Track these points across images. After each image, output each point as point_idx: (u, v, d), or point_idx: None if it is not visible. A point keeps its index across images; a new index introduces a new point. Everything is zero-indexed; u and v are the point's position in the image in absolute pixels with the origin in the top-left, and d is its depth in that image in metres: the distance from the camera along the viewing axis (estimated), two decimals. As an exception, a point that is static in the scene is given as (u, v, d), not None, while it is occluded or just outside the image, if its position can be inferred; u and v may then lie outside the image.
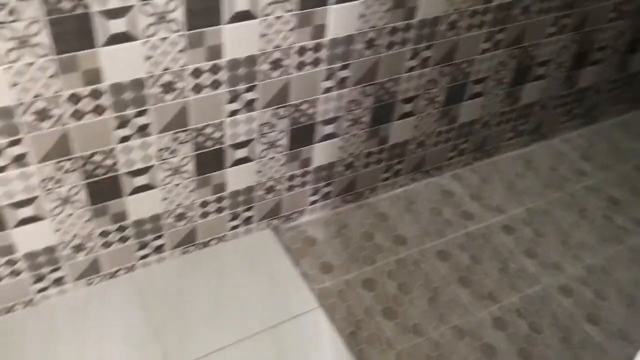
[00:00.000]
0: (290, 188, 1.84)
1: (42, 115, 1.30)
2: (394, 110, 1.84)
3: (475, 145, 2.17)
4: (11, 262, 1.51)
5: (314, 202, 1.94)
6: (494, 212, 2.06)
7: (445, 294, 1.79)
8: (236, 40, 1.42)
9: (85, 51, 1.26)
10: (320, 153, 1.80)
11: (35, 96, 1.26)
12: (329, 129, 1.75)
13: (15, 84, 1.22)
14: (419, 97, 1.85)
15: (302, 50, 1.53)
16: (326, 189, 1.93)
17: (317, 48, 1.54)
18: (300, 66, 1.56)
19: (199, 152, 1.57)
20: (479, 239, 1.97)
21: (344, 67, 1.63)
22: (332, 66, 1.61)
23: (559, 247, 1.97)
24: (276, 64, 1.51)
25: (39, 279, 1.59)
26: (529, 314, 1.76)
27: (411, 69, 1.76)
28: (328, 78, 1.63)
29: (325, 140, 1.77)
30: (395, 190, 2.10)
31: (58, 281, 1.62)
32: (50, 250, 1.54)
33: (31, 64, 1.21)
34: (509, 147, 2.29)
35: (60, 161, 1.39)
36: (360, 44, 1.60)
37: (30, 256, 1.52)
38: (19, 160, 1.34)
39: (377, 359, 1.61)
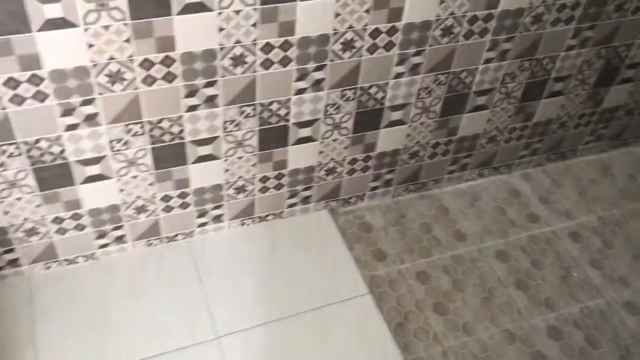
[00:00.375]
0: (352, 172, 1.82)
1: (115, 77, 1.33)
2: (466, 102, 1.78)
3: (549, 145, 2.08)
4: (77, 216, 1.57)
5: (374, 188, 1.91)
6: (562, 218, 1.97)
7: (500, 295, 1.73)
8: (309, 18, 1.40)
9: (161, 18, 1.28)
10: (385, 139, 1.77)
11: (110, 59, 1.30)
12: (396, 115, 1.72)
13: (91, 45, 1.26)
14: (494, 90, 1.78)
15: (375, 33, 1.49)
16: (388, 176, 1.90)
17: (391, 32, 1.51)
18: (373, 49, 1.53)
19: (263, 127, 1.58)
20: (542, 243, 1.89)
21: (418, 53, 1.59)
22: (406, 51, 1.57)
23: (629, 261, 1.87)
24: (348, 45, 1.49)
25: (102, 235, 1.65)
26: (587, 326, 1.68)
27: (489, 60, 1.69)
28: (400, 63, 1.59)
29: (391, 126, 1.74)
30: (460, 185, 2.04)
31: (119, 239, 1.68)
32: (113, 208, 1.60)
33: (108, 27, 1.25)
34: (586, 151, 2.18)
35: (129, 124, 1.43)
36: (436, 31, 1.56)
37: (95, 212, 1.59)
38: (90, 119, 1.39)
39: (422, 353, 1.59)
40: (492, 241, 1.88)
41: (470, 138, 1.90)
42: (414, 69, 1.62)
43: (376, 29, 1.49)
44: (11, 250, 1.57)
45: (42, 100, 1.31)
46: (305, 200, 1.84)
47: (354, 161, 1.79)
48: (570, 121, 2.02)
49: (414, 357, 1.57)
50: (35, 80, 1.27)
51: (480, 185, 2.06)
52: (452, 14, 1.53)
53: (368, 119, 1.69)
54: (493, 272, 1.79)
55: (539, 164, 2.13)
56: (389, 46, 1.54)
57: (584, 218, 1.98)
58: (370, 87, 1.61)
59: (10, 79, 1.25)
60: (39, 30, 1.20)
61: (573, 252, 1.87)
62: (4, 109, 1.29)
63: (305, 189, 1.81)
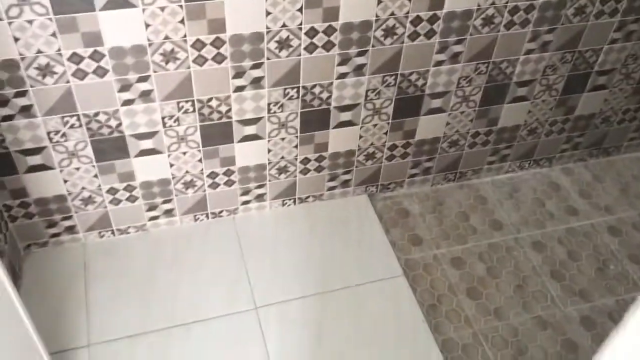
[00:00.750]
0: (391, 158, 1.87)
1: (169, 57, 1.43)
2: (507, 92, 1.81)
3: (592, 140, 2.08)
4: (130, 188, 1.68)
5: (413, 175, 1.96)
6: (602, 212, 1.97)
7: (534, 284, 1.75)
8: (353, 4, 1.47)
9: (213, 1, 1.37)
10: (425, 126, 1.81)
11: (165, 38, 1.40)
12: (436, 103, 1.76)
13: (148, 25, 1.36)
14: (535, 81, 1.81)
15: (417, 20, 1.55)
16: (427, 164, 1.94)
17: (432, 19, 1.56)
18: (414, 36, 1.58)
19: (305, 110, 1.65)
20: (580, 236, 1.89)
21: (459, 42, 1.63)
22: (447, 39, 1.61)
23: (669, 257, 1.86)
24: (390, 32, 1.55)
25: (152, 207, 1.75)
26: (622, 319, 1.68)
27: (530, 51, 1.72)
28: (441, 51, 1.63)
29: (431, 114, 1.78)
30: (499, 176, 2.07)
31: (168, 212, 1.78)
32: (164, 182, 1.70)
33: (164, 8, 1.34)
34: (630, 148, 2.16)
35: (181, 101, 1.53)
36: (477, 20, 1.59)
37: (146, 185, 1.69)
38: (145, 95, 1.49)
39: (452, 334, 1.62)
40: (528, 232, 1.90)
41: (510, 129, 1.92)
42: (455, 58, 1.66)
43: (417, 16, 1.54)
44: (69, 218, 1.70)
45: (102, 76, 1.42)
46: (345, 184, 1.90)
47: (393, 147, 1.84)
48: (614, 116, 2.02)
49: (443, 338, 1.61)
50: (97, 56, 1.38)
51: (520, 177, 2.07)
52: (493, 3, 1.57)
53: (408, 106, 1.74)
54: (528, 261, 1.81)
55: (581, 159, 2.13)
56: (430, 34, 1.58)
57: (624, 213, 1.98)
58: (411, 73, 1.66)
59: (74, 54, 1.36)
60: (102, 10, 1.31)
61: (611, 245, 1.87)
62: (67, 82, 1.40)
63: (345, 173, 1.87)
